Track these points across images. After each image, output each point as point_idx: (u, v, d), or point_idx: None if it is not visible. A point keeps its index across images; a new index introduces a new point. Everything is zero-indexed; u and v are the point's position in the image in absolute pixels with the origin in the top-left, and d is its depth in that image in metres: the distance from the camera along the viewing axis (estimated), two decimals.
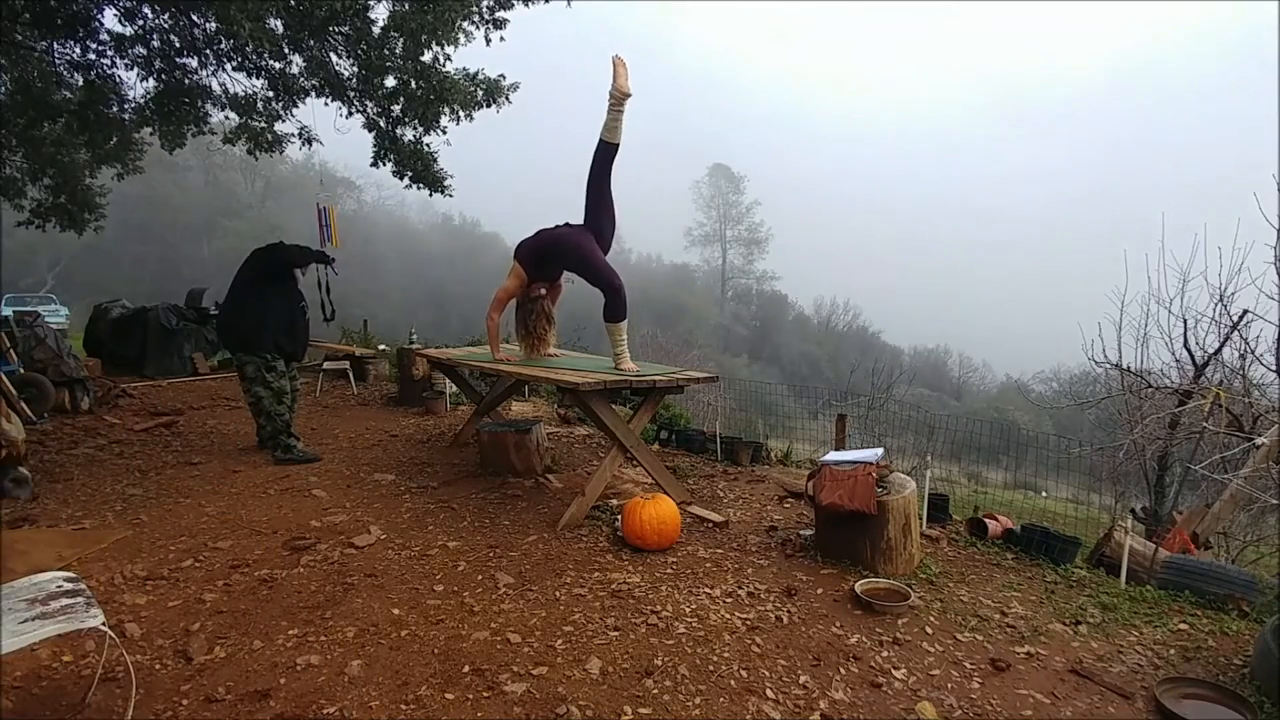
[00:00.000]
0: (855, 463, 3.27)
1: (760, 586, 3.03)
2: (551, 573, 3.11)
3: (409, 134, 8.62)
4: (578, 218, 4.26)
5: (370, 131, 8.61)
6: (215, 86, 8.23)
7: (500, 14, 7.70)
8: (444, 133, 8.50)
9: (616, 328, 4.13)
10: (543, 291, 4.38)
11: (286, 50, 7.63)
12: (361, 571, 3.06)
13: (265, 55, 7.48)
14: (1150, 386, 5.18)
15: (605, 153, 4.10)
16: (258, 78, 8.03)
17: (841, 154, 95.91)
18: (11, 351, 6.37)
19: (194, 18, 7.24)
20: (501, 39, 7.82)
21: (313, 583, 2.94)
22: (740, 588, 3.01)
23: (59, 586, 2.03)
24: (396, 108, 8.34)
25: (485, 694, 2.16)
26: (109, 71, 7.85)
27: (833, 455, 3.54)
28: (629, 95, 3.97)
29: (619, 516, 3.64)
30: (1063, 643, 2.63)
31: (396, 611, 2.69)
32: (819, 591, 3.01)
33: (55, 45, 7.61)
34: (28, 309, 13.21)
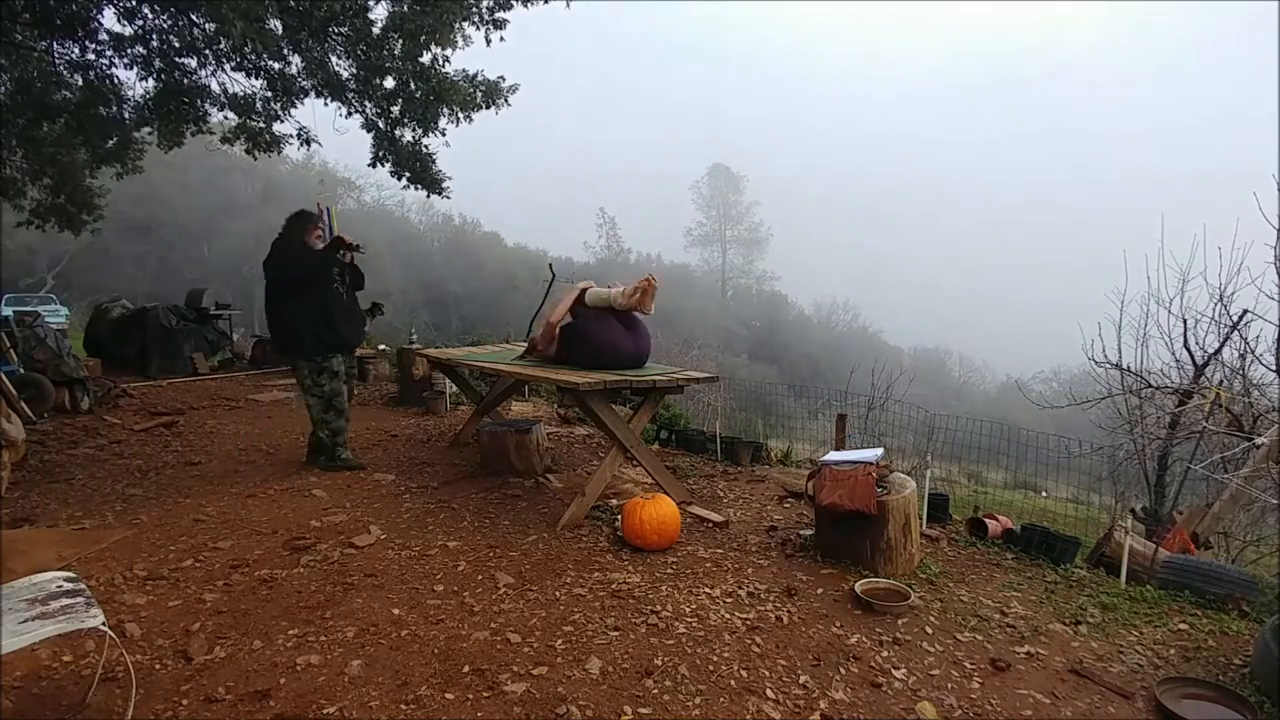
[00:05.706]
0: (855, 463, 3.27)
1: (760, 586, 3.03)
2: (551, 573, 3.11)
3: (408, 135, 8.63)
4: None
5: (369, 132, 8.61)
6: (214, 86, 8.24)
7: (500, 15, 7.71)
8: (443, 134, 8.51)
9: None
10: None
11: (286, 51, 7.64)
12: (361, 571, 3.06)
13: (263, 55, 7.49)
14: (1150, 386, 5.17)
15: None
16: (257, 78, 8.04)
17: (840, 151, 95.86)
18: (11, 351, 6.38)
19: (193, 17, 7.25)
20: (501, 39, 7.84)
21: (313, 583, 2.94)
22: (740, 588, 3.01)
23: (59, 586, 2.03)
24: (395, 109, 8.35)
25: (485, 694, 2.16)
26: (108, 71, 7.86)
27: (833, 455, 3.54)
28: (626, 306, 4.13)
29: (619, 516, 3.64)
30: (1063, 643, 2.63)
31: (396, 611, 2.69)
32: (819, 591, 3.01)
33: (55, 45, 7.62)
34: (28, 309, 13.23)
